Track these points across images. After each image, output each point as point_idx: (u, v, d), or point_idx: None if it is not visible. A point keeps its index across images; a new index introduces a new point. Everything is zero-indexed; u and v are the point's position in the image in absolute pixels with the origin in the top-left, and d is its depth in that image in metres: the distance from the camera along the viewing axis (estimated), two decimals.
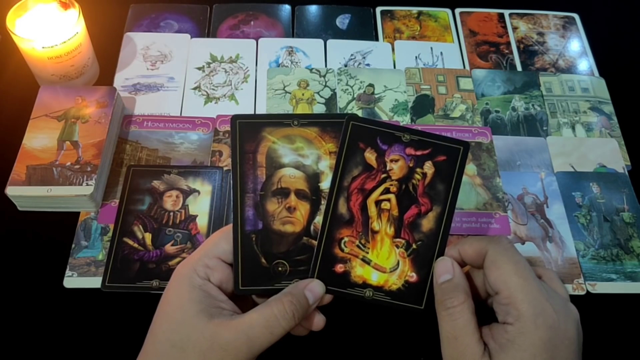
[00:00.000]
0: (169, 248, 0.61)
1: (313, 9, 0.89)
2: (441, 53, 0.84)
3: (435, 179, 0.48)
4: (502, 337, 0.42)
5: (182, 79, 0.78)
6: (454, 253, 0.47)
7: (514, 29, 0.89)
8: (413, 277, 0.47)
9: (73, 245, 0.63)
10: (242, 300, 0.47)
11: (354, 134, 0.48)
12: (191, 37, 0.83)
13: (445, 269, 0.46)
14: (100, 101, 0.68)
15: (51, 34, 0.67)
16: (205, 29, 0.85)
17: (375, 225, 0.48)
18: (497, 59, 0.85)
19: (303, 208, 0.48)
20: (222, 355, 0.41)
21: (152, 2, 0.87)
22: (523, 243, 0.66)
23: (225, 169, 0.67)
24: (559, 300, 0.43)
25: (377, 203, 0.48)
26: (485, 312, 0.44)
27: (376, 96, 0.78)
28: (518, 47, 0.86)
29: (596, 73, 0.84)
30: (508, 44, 0.87)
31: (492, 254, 0.44)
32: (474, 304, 0.44)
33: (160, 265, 0.60)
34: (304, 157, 0.49)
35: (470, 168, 0.70)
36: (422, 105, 0.78)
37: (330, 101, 0.77)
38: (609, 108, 0.79)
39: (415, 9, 0.90)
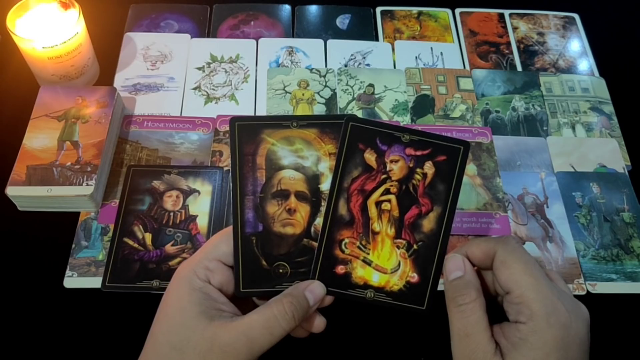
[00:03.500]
0: (169, 248, 0.61)
1: (313, 9, 0.89)
2: (441, 53, 0.84)
3: (436, 179, 0.48)
4: (514, 335, 0.41)
5: (182, 79, 0.78)
6: (462, 255, 0.47)
7: (514, 29, 0.89)
8: (414, 277, 0.47)
9: (73, 245, 0.63)
10: (243, 303, 0.47)
11: (353, 134, 0.48)
12: (191, 37, 0.83)
13: (456, 266, 0.46)
14: (100, 101, 0.68)
15: (51, 34, 0.67)
16: (206, 29, 0.85)
17: (376, 226, 0.48)
18: (497, 59, 0.85)
19: (303, 210, 0.48)
20: (222, 357, 0.41)
21: (152, 2, 0.87)
22: (523, 243, 0.66)
23: (225, 169, 0.67)
24: (569, 300, 0.43)
25: (378, 204, 0.48)
26: (492, 312, 0.45)
27: (376, 96, 0.78)
28: (518, 47, 0.86)
29: (596, 73, 0.84)
30: (508, 44, 0.87)
31: (502, 254, 0.44)
32: (485, 302, 0.44)
33: (160, 265, 0.60)
34: (303, 159, 0.49)
35: (470, 168, 0.70)
36: (422, 105, 0.78)
37: (331, 101, 0.77)
38: (609, 108, 0.79)
39: (415, 9, 0.90)
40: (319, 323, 0.47)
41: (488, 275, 0.47)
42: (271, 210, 0.48)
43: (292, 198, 0.48)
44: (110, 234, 0.63)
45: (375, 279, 0.47)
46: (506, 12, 0.91)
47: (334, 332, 0.51)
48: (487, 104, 0.79)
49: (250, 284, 0.46)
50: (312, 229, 0.48)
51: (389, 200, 0.48)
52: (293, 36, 0.85)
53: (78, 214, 0.65)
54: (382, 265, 0.47)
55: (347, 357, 0.58)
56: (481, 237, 0.62)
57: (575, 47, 0.87)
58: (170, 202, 0.64)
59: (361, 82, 0.79)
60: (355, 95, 0.78)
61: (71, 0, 0.71)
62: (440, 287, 0.47)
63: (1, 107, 0.74)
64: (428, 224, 0.48)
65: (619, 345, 0.60)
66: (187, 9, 0.87)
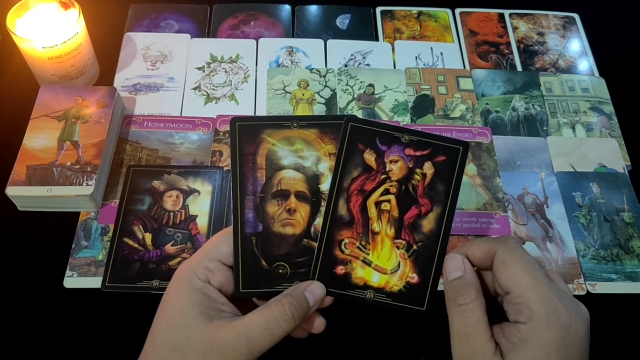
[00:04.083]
0: (169, 248, 0.61)
1: (313, 9, 0.89)
2: (441, 53, 0.84)
3: (435, 180, 0.48)
4: (514, 335, 0.41)
5: (182, 79, 0.78)
6: (462, 255, 0.47)
7: (514, 29, 0.89)
8: (414, 278, 0.47)
9: (73, 245, 0.63)
10: (243, 303, 0.47)
11: (353, 135, 0.48)
12: (191, 37, 0.83)
13: (455, 266, 0.46)
14: (100, 101, 0.68)
15: (51, 34, 0.67)
16: (206, 29, 0.85)
17: (376, 226, 0.48)
18: (497, 59, 0.85)
19: (303, 210, 0.48)
20: (222, 357, 0.41)
21: (152, 2, 0.87)
22: (523, 243, 0.66)
23: (225, 169, 0.67)
24: (569, 300, 0.43)
25: (377, 204, 0.48)
26: (492, 312, 0.45)
27: (376, 96, 0.78)
28: (518, 47, 0.86)
29: (596, 73, 0.84)
30: (508, 44, 0.87)
31: (502, 254, 0.44)
32: (485, 302, 0.44)
33: (160, 265, 0.60)
34: (303, 159, 0.49)
35: (470, 168, 0.70)
36: (422, 105, 0.78)
37: (331, 101, 0.77)
38: (609, 108, 0.79)
39: (415, 9, 0.89)
40: (318, 324, 0.47)
41: (488, 275, 0.47)
42: (271, 210, 0.48)
43: (292, 198, 0.48)
44: (110, 234, 0.63)
45: (375, 279, 0.47)
46: (506, 12, 0.91)
47: (334, 332, 0.51)
48: (487, 104, 0.79)
49: (250, 284, 0.46)
50: (312, 229, 0.48)
51: (388, 201, 0.48)
52: (293, 36, 0.85)
53: (78, 214, 0.65)
54: (382, 266, 0.47)
55: (347, 357, 0.58)
56: (481, 237, 0.62)
57: (575, 47, 0.87)
58: (170, 202, 0.64)
59: (361, 82, 0.79)
60: (355, 95, 0.78)
61: (71, 0, 0.71)
62: (440, 287, 0.47)
63: (1, 107, 0.74)
64: (428, 224, 0.48)
65: (619, 345, 0.60)
66: (187, 9, 0.87)
